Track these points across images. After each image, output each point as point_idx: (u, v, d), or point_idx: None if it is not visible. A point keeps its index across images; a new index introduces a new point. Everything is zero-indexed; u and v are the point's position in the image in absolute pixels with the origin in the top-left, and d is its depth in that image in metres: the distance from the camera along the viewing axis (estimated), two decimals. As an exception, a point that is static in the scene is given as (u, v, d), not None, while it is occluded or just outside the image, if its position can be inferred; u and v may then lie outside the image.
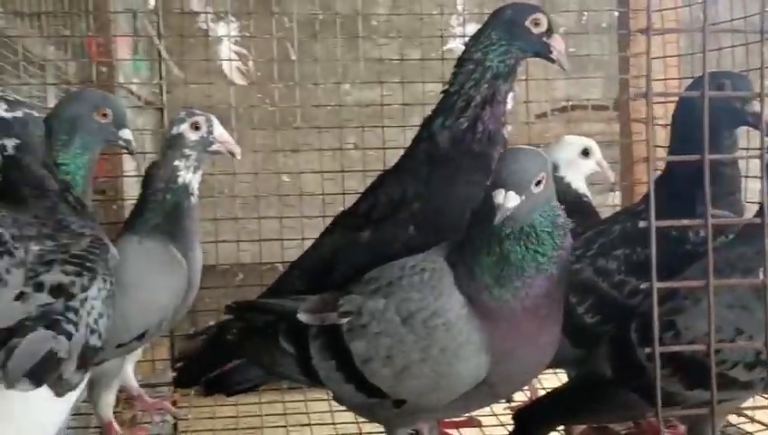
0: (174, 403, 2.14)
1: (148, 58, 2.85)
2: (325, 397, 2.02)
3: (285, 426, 2.09)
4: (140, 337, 1.69)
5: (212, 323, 1.96)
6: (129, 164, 2.45)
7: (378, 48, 2.48)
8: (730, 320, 1.36)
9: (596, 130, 2.53)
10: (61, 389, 1.26)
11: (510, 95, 1.73)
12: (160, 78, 2.62)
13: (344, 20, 2.48)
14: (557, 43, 1.66)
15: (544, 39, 1.66)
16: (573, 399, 1.57)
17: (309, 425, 2.10)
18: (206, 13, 2.53)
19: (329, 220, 1.89)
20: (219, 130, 1.75)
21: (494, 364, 1.37)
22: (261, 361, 1.57)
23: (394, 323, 1.40)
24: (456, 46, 2.51)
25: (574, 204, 2.06)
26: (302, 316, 1.49)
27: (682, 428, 1.72)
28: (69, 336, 1.26)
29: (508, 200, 1.28)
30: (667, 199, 1.48)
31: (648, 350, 1.21)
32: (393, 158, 1.88)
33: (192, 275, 1.74)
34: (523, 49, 1.66)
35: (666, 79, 2.37)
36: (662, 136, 2.18)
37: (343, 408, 1.62)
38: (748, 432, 1.93)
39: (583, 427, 1.77)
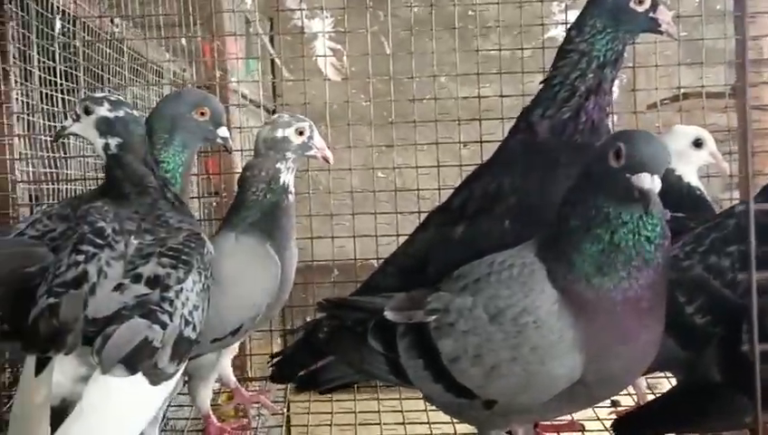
0: (288, 401, 2.16)
1: (257, 57, 2.89)
2: (420, 396, 1.99)
3: (379, 424, 2.07)
4: (235, 332, 1.71)
5: (309, 319, 1.97)
6: (240, 163, 2.49)
7: (475, 39, 2.42)
8: None
9: (711, 121, 2.37)
10: (156, 377, 1.29)
11: (615, 83, 1.66)
12: (273, 77, 2.65)
13: (440, 11, 2.43)
14: (663, 15, 1.61)
15: (650, 14, 1.61)
16: (681, 404, 1.49)
17: (403, 423, 2.08)
18: (300, 9, 2.53)
19: (424, 216, 1.86)
20: (317, 137, 1.80)
21: (589, 363, 1.30)
22: (350, 358, 1.55)
23: (482, 321, 1.35)
24: (558, 34, 2.41)
25: (687, 197, 1.96)
26: (389, 314, 1.47)
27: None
28: (163, 326, 1.29)
29: (655, 184, 1.24)
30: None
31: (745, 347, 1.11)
32: (490, 152, 1.83)
33: (285, 272, 1.75)
34: (631, 31, 1.62)
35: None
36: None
37: (438, 407, 1.59)
38: None
39: (694, 436, 1.67)
